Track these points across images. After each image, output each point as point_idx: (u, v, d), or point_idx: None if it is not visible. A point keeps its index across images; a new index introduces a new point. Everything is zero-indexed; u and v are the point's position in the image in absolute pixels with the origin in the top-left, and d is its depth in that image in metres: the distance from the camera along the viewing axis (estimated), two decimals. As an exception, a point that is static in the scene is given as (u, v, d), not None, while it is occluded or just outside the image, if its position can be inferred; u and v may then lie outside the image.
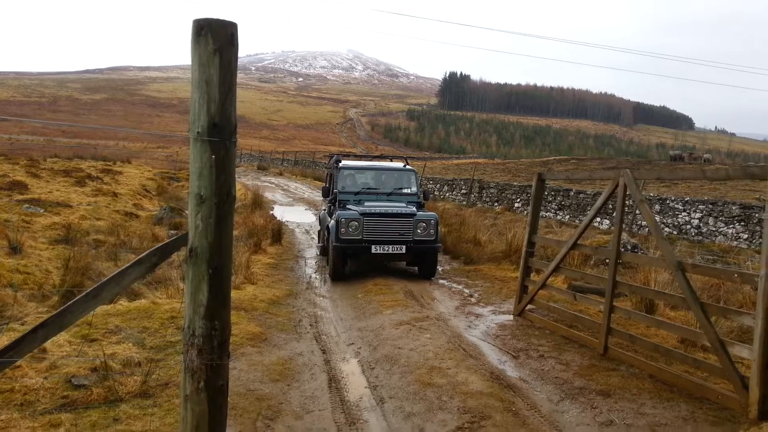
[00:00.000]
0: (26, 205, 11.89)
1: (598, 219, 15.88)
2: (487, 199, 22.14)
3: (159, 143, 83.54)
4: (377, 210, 9.37)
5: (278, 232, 12.32)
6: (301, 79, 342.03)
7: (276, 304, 7.18)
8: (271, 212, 16.99)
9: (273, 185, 29.60)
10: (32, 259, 7.84)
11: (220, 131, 2.18)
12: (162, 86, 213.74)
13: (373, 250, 9.13)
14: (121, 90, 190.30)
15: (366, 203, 9.89)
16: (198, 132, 2.18)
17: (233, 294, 5.90)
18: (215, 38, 2.15)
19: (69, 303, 2.05)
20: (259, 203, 17.43)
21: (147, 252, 2.23)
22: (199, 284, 2.20)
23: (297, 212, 18.71)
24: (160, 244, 2.25)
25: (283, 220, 15.41)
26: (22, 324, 5.19)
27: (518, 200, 20.38)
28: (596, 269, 9.26)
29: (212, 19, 2.17)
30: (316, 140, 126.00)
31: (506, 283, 8.79)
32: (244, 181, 29.27)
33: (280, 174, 39.67)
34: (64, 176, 18.85)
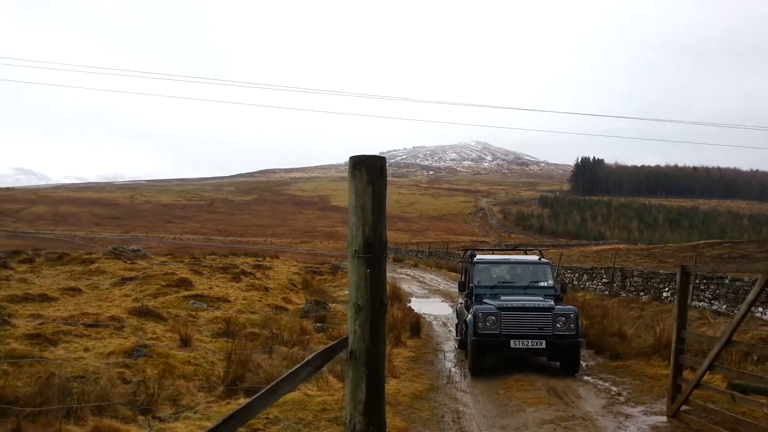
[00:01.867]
0: (192, 301, 13.23)
1: (761, 309, 14.50)
2: (631, 289, 20.97)
3: (302, 238, 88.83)
4: (514, 304, 9.38)
5: (417, 325, 12.59)
6: (431, 172, 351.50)
7: (418, 398, 7.34)
8: (409, 305, 17.37)
9: (409, 277, 30.22)
10: (199, 351, 8.71)
11: (374, 249, 2.56)
12: (304, 185, 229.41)
13: (512, 345, 9.07)
14: (269, 191, 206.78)
15: (502, 297, 9.93)
16: (355, 250, 2.56)
17: (377, 388, 6.19)
18: (368, 172, 2.58)
19: (252, 398, 2.43)
20: (397, 296, 17.92)
21: (313, 354, 2.59)
22: (358, 383, 2.51)
23: (433, 304, 18.94)
24: (325, 347, 2.62)
25: (421, 312, 15.69)
26: (195, 412, 5.80)
27: (666, 289, 19.11)
28: (760, 366, 8.47)
29: (366, 155, 2.61)
30: (448, 230, 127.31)
31: (657, 381, 8.28)
32: (381, 273, 30.13)
33: (415, 266, 40.40)
34: (221, 273, 20.69)
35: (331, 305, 16.19)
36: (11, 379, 6.27)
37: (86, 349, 8.05)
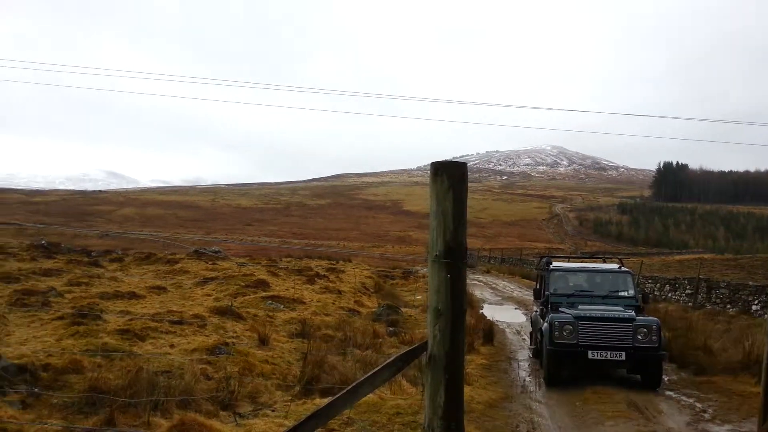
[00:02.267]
0: (269, 302, 13.63)
1: None
2: (717, 301, 19.87)
3: (374, 242, 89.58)
4: (593, 314, 9.11)
5: (489, 332, 12.44)
6: (505, 177, 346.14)
7: (492, 407, 7.27)
8: (481, 311, 17.18)
9: (482, 283, 29.90)
10: (277, 351, 8.96)
11: (454, 254, 2.57)
12: (377, 190, 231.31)
13: (590, 356, 8.82)
14: (342, 195, 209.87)
15: (580, 306, 9.67)
16: (436, 255, 2.58)
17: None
18: (449, 177, 2.59)
19: (334, 398, 2.49)
20: (469, 302, 17.75)
21: (393, 357, 2.63)
22: (437, 388, 2.53)
23: (506, 312, 18.65)
24: (404, 351, 2.65)
25: (494, 319, 15.50)
26: (273, 410, 5.98)
27: (756, 302, 18.00)
28: None
29: (447, 161, 2.63)
30: (521, 236, 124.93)
31: (746, 399, 7.83)
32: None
33: (488, 272, 39.92)
34: (297, 275, 21.20)
35: (403, 309, 16.25)
36: (104, 371, 6.66)
37: (171, 345, 8.45)
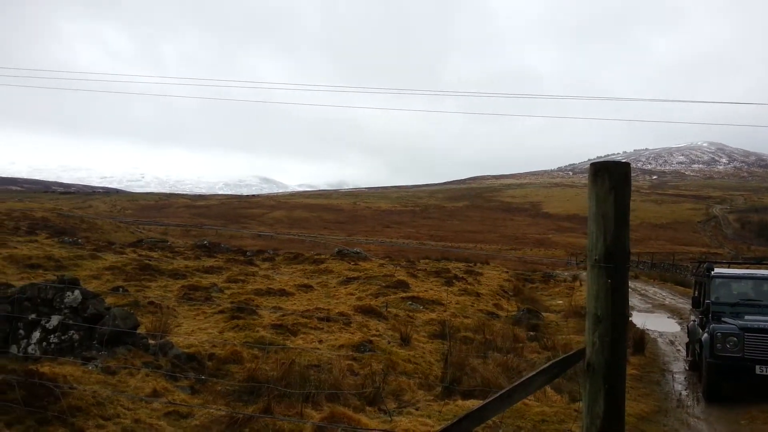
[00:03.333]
0: (409, 302, 13.86)
1: None
2: None
3: (512, 245, 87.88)
4: (762, 325, 8.25)
5: (640, 341, 11.71)
6: (655, 177, 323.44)
7: (645, 420, 6.84)
8: (630, 319, 16.20)
9: (630, 289, 28.18)
10: (418, 350, 9.09)
11: (615, 258, 2.45)
12: (515, 192, 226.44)
13: (758, 371, 8.00)
14: (479, 197, 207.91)
15: (746, 317, 8.82)
16: (595, 259, 2.48)
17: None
18: (611, 178, 2.48)
19: (486, 401, 2.49)
20: (616, 309, 16.83)
21: (549, 363, 2.56)
22: (595, 397, 2.42)
23: (658, 320, 17.42)
24: (560, 358, 2.57)
25: (644, 328, 14.54)
26: (416, 409, 6.07)
27: None
28: None
29: (608, 162, 2.52)
30: (673, 240, 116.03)
31: None
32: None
33: (636, 277, 37.56)
34: (435, 276, 21.34)
35: (544, 314, 15.79)
36: (261, 363, 7.15)
37: (320, 341, 8.88)
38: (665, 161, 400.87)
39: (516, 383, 2.52)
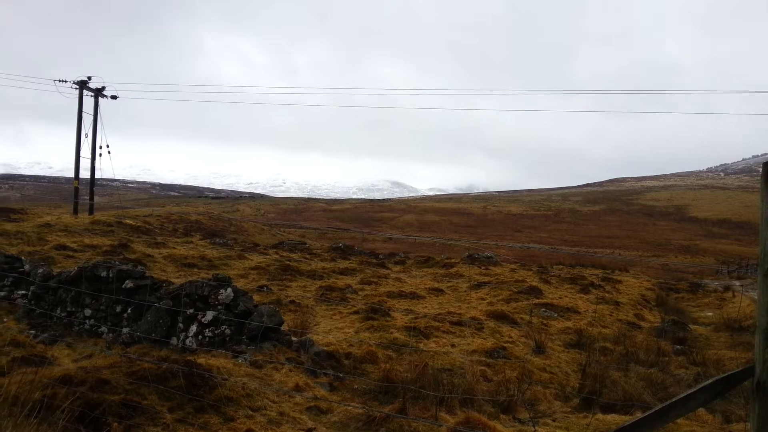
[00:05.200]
0: (543, 309, 13.43)
1: None
2: None
3: (654, 251, 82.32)
4: None
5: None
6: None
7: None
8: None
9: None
10: (553, 360, 8.79)
11: (790, 269, 2.22)
12: (658, 195, 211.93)
13: None
14: (618, 200, 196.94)
15: None
16: (767, 268, 2.26)
17: None
18: (785, 179, 2.25)
19: (640, 417, 2.35)
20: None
21: (711, 380, 2.37)
22: (765, 419, 2.21)
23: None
24: (723, 375, 2.37)
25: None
26: (553, 420, 5.86)
27: None
28: None
29: (781, 161, 2.31)
30: None
31: None
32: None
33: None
34: (569, 283, 20.50)
35: (692, 327, 14.60)
36: (395, 364, 7.28)
37: (452, 345, 8.87)
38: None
39: (673, 399, 2.36)
